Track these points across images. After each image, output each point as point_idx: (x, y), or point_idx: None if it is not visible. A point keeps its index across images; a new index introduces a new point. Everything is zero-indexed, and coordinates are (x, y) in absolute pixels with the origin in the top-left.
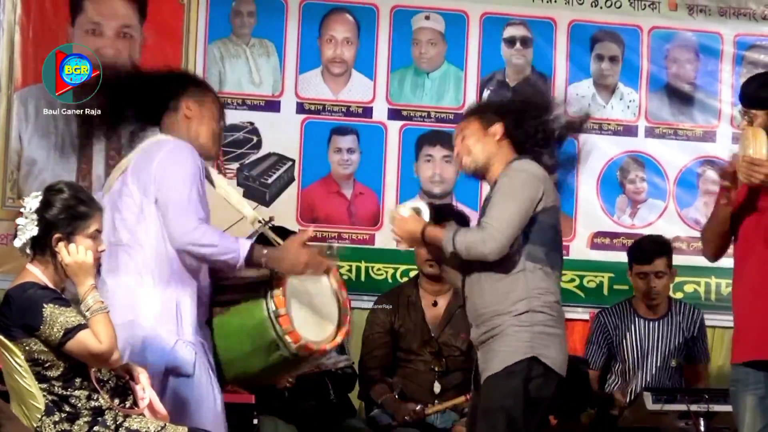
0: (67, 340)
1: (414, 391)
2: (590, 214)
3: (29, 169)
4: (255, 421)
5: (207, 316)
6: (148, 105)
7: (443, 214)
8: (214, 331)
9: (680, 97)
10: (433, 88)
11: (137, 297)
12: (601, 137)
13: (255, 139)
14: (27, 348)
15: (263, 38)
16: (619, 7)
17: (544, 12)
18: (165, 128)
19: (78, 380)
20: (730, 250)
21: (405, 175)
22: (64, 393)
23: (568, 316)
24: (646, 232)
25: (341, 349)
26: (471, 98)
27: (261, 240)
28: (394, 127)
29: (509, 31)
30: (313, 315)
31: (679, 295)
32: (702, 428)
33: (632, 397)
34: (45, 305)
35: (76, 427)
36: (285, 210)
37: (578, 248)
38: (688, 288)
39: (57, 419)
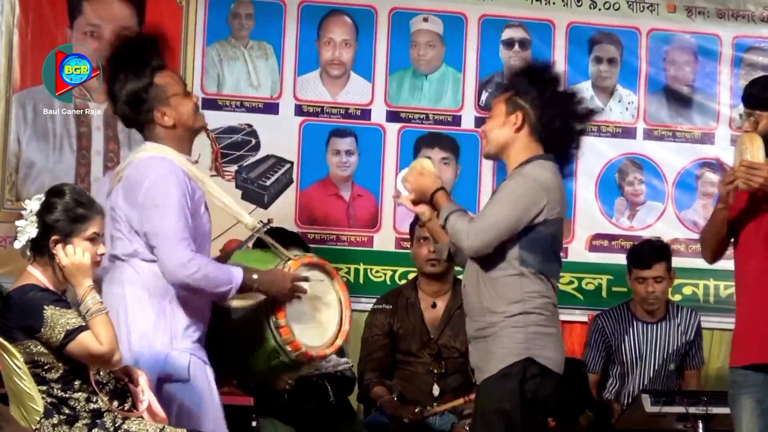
0: (68, 342)
1: (413, 393)
2: (589, 216)
3: (28, 172)
4: (254, 423)
5: (206, 327)
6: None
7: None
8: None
9: (679, 99)
10: (432, 90)
11: (132, 310)
12: (600, 139)
13: (253, 141)
14: (27, 350)
15: (261, 40)
16: (617, 9)
17: (542, 14)
18: (150, 136)
19: (77, 382)
20: (730, 251)
21: None
22: (63, 395)
23: (567, 318)
24: (645, 234)
25: (340, 351)
26: (469, 100)
27: (258, 243)
28: (392, 129)
29: (508, 33)
30: (313, 318)
31: (677, 298)
32: (700, 431)
33: (629, 400)
34: (46, 307)
35: (75, 430)
36: (283, 212)
37: (577, 250)
38: (687, 290)
39: (56, 422)
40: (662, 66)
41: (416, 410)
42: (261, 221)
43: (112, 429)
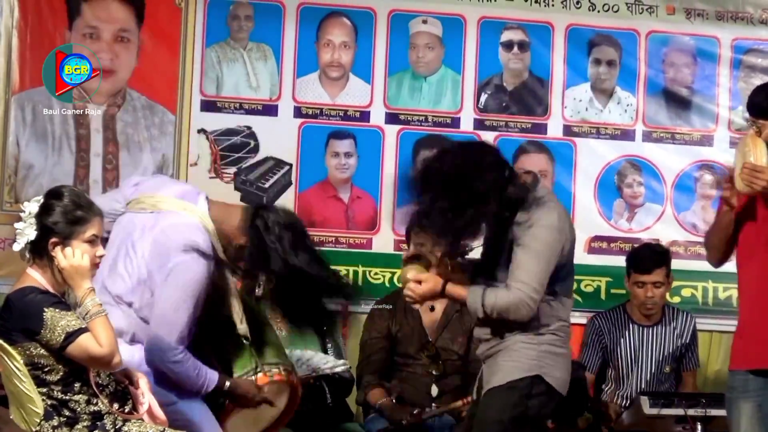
0: (68, 344)
1: (412, 395)
2: (588, 218)
3: (27, 174)
4: None
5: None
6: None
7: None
8: None
9: (678, 101)
10: (431, 92)
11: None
12: (599, 141)
13: (252, 143)
14: (27, 352)
15: (261, 42)
16: (616, 11)
17: (541, 16)
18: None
19: (77, 385)
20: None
21: (402, 179)
22: (64, 397)
23: None
24: (644, 236)
25: (338, 353)
26: (468, 102)
27: None
28: (391, 131)
29: (507, 35)
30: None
31: (676, 300)
32: None
33: (626, 402)
34: (46, 309)
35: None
36: None
37: (576, 252)
38: (686, 292)
39: (56, 424)
40: (661, 68)
41: (415, 412)
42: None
43: (112, 431)
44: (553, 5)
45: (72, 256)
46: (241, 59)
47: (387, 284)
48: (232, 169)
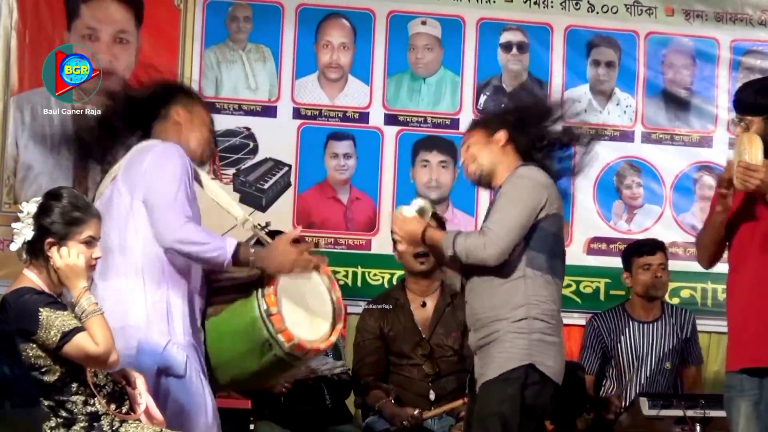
0: (64, 344)
1: (409, 400)
2: (587, 219)
3: (25, 175)
4: (251, 426)
5: (201, 319)
6: (139, 116)
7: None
8: (206, 335)
9: (677, 103)
10: (430, 94)
11: (127, 299)
12: (598, 142)
13: (251, 144)
14: (23, 353)
15: (259, 43)
16: (615, 13)
17: (540, 17)
18: (155, 135)
19: (74, 385)
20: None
21: (401, 180)
22: (61, 398)
23: (565, 321)
24: (643, 237)
25: (337, 354)
26: (467, 104)
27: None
28: (390, 133)
29: (506, 37)
30: (306, 314)
31: (675, 301)
32: None
33: (628, 402)
34: (41, 309)
35: None
36: (281, 215)
37: (575, 253)
38: (684, 293)
39: (53, 425)
40: (660, 69)
41: (415, 412)
42: (259, 224)
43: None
44: (552, 6)
45: (68, 255)
46: (240, 60)
47: (386, 285)
48: (231, 170)
